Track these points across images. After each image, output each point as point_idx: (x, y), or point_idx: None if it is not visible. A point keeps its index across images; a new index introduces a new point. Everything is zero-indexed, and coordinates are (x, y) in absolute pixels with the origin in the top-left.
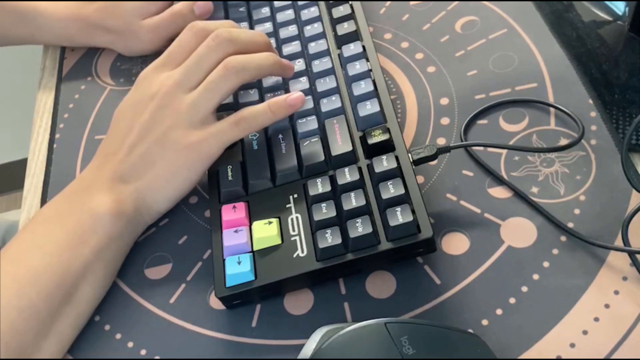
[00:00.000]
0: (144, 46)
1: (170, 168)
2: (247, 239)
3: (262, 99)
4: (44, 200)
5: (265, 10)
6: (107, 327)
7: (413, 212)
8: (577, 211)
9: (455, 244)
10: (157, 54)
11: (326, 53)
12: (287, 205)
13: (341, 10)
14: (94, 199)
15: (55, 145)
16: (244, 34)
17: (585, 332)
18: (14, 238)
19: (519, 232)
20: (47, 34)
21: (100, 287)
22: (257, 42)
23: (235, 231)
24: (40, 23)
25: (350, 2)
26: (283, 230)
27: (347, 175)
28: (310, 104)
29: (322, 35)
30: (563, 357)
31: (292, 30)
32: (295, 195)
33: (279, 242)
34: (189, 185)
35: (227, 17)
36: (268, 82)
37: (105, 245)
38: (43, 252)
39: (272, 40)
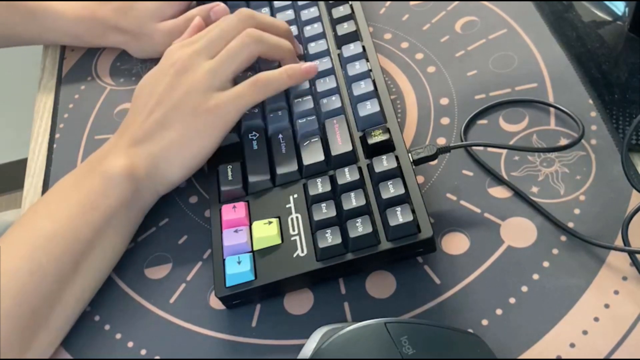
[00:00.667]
0: (157, 48)
1: (187, 132)
2: (247, 238)
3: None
4: None
5: (265, 11)
6: (107, 327)
7: (413, 212)
8: (577, 211)
9: (455, 244)
10: None
11: (326, 53)
12: (287, 205)
13: (341, 10)
14: (108, 164)
15: (55, 145)
16: (266, 17)
17: (585, 332)
18: (33, 205)
19: (519, 232)
20: (59, 33)
21: (108, 258)
22: (278, 26)
23: (235, 231)
24: (52, 22)
25: (350, 2)
26: (283, 230)
27: (347, 175)
28: (310, 104)
29: (322, 36)
30: (563, 357)
31: (292, 30)
32: (295, 195)
33: (279, 242)
34: (205, 154)
35: None
36: None
37: (115, 210)
38: (54, 218)
39: None
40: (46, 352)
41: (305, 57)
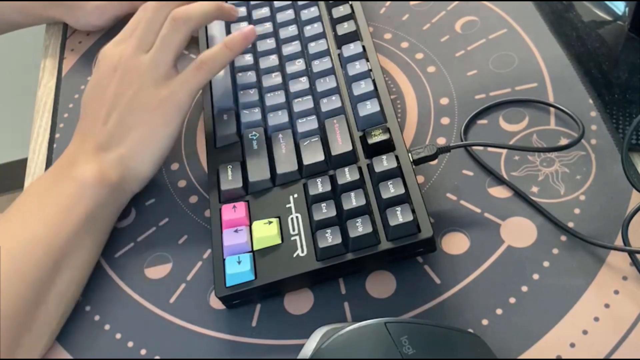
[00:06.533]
0: (91, 20)
1: (148, 128)
2: (247, 238)
3: (262, 98)
4: None
5: (265, 10)
6: (107, 327)
7: (413, 211)
8: (577, 211)
9: (455, 243)
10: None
11: (326, 53)
12: (287, 205)
13: (341, 10)
14: (79, 169)
15: (55, 145)
16: None
17: (585, 332)
18: (4, 213)
19: (519, 231)
20: (7, 8)
21: (88, 259)
22: None
23: (235, 231)
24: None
25: (350, 2)
26: (283, 230)
27: (347, 175)
28: (310, 104)
29: (322, 35)
30: (563, 357)
31: (292, 30)
32: (295, 195)
33: (279, 241)
34: (169, 143)
35: None
36: (268, 82)
37: (91, 213)
38: (31, 224)
39: (272, 40)
40: (32, 353)
41: (305, 57)
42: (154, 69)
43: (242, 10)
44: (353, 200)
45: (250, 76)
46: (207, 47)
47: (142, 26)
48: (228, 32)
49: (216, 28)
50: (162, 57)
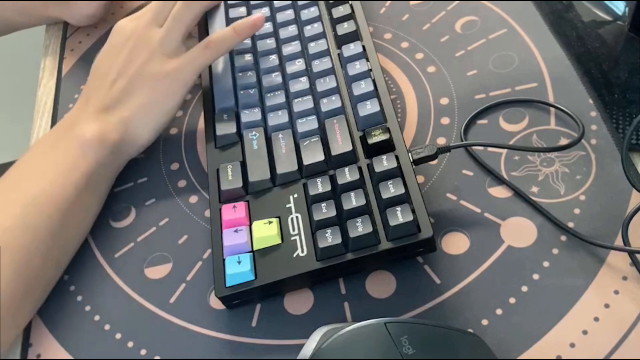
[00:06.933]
0: (83, 9)
1: (151, 97)
2: (247, 238)
3: (262, 98)
4: None
5: (265, 10)
6: (107, 327)
7: (413, 211)
8: (577, 211)
9: (455, 243)
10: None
11: (326, 53)
12: (287, 205)
13: (341, 10)
14: (82, 129)
15: None
16: None
17: (585, 332)
18: (12, 168)
19: (519, 231)
20: (8, 9)
21: (87, 216)
22: None
23: (235, 231)
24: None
25: (350, 2)
26: (283, 230)
27: (347, 175)
28: (310, 104)
29: (322, 35)
30: (563, 357)
31: (292, 30)
32: (295, 195)
33: (279, 241)
34: (169, 114)
35: (226, 17)
36: (268, 82)
37: (94, 170)
38: (39, 179)
39: (272, 40)
40: (37, 305)
41: (305, 57)
42: (165, 42)
43: (242, 11)
44: (353, 200)
45: (250, 76)
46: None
47: (157, 3)
48: (232, 60)
49: (218, 24)
50: (173, 33)
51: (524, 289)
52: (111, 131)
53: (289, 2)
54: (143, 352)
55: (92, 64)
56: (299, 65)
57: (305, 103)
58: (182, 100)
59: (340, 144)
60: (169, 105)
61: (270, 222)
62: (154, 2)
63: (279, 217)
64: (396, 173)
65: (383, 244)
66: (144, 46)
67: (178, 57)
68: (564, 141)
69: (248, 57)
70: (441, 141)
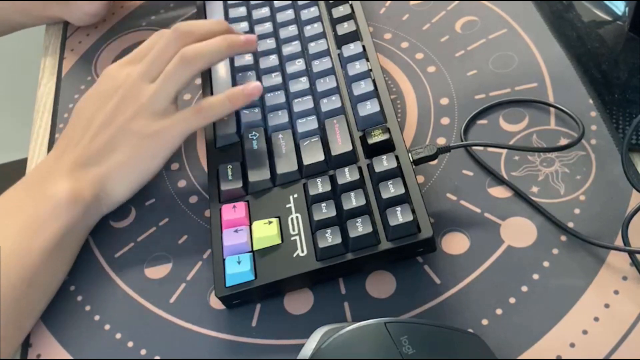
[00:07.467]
0: (84, 8)
1: (132, 156)
2: (247, 238)
3: (262, 98)
4: None
5: (265, 10)
6: (107, 327)
7: (413, 211)
8: (577, 211)
9: (455, 243)
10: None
11: (326, 53)
12: (287, 205)
13: (341, 10)
14: (53, 186)
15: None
16: (202, 25)
17: (585, 332)
18: None
19: (519, 231)
20: (9, 9)
21: (57, 275)
22: (215, 31)
23: (235, 231)
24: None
25: (350, 2)
26: (283, 230)
27: (347, 175)
28: (310, 104)
29: (322, 35)
30: (563, 357)
31: (292, 30)
32: (295, 195)
33: (279, 241)
34: (149, 175)
35: (226, 18)
36: (268, 82)
37: (64, 232)
38: (3, 239)
39: (272, 40)
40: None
41: (305, 57)
42: (155, 101)
43: (242, 10)
44: (353, 200)
45: (251, 76)
46: (210, 81)
47: (153, 54)
48: (232, 60)
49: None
50: (164, 92)
51: (524, 289)
52: (86, 189)
53: (289, 2)
54: (143, 352)
55: (92, 64)
56: (299, 65)
57: (305, 103)
58: (163, 162)
59: (340, 144)
60: (150, 167)
61: (270, 222)
62: (150, 55)
63: (279, 217)
64: (396, 173)
65: (383, 244)
66: (133, 100)
67: (166, 118)
68: (564, 141)
69: (248, 57)
70: (441, 141)
